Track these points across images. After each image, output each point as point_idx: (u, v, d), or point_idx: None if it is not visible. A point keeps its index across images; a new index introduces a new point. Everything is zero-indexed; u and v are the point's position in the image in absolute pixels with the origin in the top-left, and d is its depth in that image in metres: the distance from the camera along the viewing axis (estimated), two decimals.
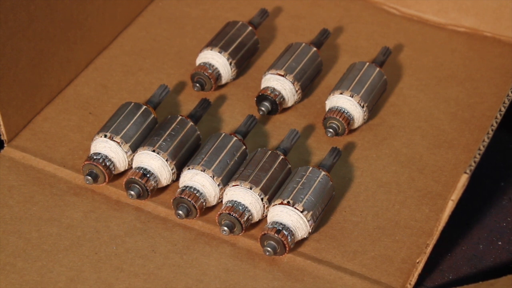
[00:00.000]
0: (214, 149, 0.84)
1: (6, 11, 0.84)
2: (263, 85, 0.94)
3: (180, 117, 0.87)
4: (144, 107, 0.88)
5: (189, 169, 0.83)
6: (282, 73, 0.92)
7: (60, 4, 0.91)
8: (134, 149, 0.86)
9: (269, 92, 0.92)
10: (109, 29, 1.00)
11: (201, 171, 0.83)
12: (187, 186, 0.83)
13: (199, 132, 0.88)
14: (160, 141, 0.84)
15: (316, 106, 0.95)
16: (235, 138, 0.86)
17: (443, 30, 1.05)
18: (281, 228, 0.80)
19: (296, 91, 0.93)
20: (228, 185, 0.83)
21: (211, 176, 0.83)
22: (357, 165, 0.90)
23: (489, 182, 0.92)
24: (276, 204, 0.81)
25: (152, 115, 0.88)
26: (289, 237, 0.80)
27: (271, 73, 0.93)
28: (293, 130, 0.88)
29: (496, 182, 0.92)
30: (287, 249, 0.80)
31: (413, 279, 0.79)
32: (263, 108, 0.92)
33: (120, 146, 0.85)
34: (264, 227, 0.81)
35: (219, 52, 0.94)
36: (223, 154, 0.84)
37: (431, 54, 1.02)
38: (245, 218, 0.81)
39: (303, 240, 0.83)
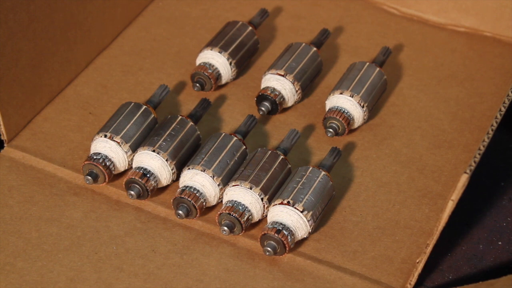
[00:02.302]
0: (214, 149, 0.84)
1: (6, 11, 0.84)
2: (263, 85, 0.94)
3: (180, 117, 0.87)
4: (144, 107, 0.88)
5: (189, 169, 0.83)
6: (282, 73, 0.92)
7: (60, 4, 0.91)
8: (134, 149, 0.86)
9: (269, 92, 0.92)
10: (109, 29, 1.00)
11: (201, 171, 0.83)
12: (187, 186, 0.83)
13: (199, 132, 0.88)
14: (160, 141, 0.84)
15: (316, 106, 0.95)
16: (235, 138, 0.86)
17: (443, 30, 1.05)
18: (281, 228, 0.80)
19: (296, 91, 0.93)
20: (228, 185, 0.83)
21: (211, 176, 0.83)
22: (357, 165, 0.90)
23: (489, 182, 0.92)
24: (276, 204, 0.81)
25: (152, 115, 0.88)
26: (289, 237, 0.80)
27: (271, 73, 0.93)
28: (293, 130, 0.88)
29: (496, 182, 0.92)
30: (287, 249, 0.80)
31: (413, 279, 0.79)
32: (263, 108, 0.92)
33: (120, 146, 0.85)
34: (264, 227, 0.81)
35: (219, 52, 0.94)
36: (223, 154, 0.84)
37: (431, 54, 1.02)
38: (245, 218, 0.81)
39: (303, 240, 0.83)
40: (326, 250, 0.82)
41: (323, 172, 0.83)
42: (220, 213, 0.82)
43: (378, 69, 0.94)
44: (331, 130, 0.91)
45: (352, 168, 0.89)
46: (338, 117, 0.90)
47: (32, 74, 0.90)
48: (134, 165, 0.85)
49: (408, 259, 0.82)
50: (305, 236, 0.82)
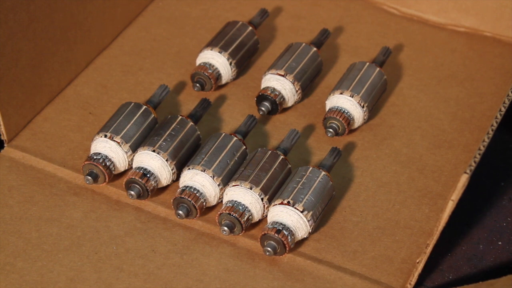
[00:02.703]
0: (214, 149, 0.84)
1: (6, 11, 0.84)
2: (263, 85, 0.94)
3: (180, 117, 0.87)
4: (144, 107, 0.88)
5: (189, 169, 0.83)
6: (282, 73, 0.92)
7: (60, 4, 0.91)
8: (134, 149, 0.86)
9: (269, 92, 0.92)
10: (109, 29, 1.00)
11: (201, 171, 0.83)
12: (187, 186, 0.83)
13: (199, 132, 0.88)
14: (160, 141, 0.84)
15: (316, 106, 0.95)
16: (235, 138, 0.86)
17: (443, 30, 1.05)
18: (281, 228, 0.80)
19: (296, 91, 0.93)
20: (228, 185, 0.83)
21: (211, 176, 0.83)
22: (357, 165, 0.90)
23: (489, 182, 0.92)
24: (276, 204, 0.81)
25: (152, 115, 0.88)
26: (289, 237, 0.80)
27: (271, 73, 0.93)
28: (293, 130, 0.88)
29: (496, 182, 0.92)
30: (287, 249, 0.80)
31: (413, 279, 0.79)
32: (263, 108, 0.92)
33: (120, 146, 0.85)
34: (264, 227, 0.81)
35: (219, 52, 0.94)
36: (223, 154, 0.84)
37: (431, 54, 1.02)
38: (245, 218, 0.81)
39: (303, 240, 0.83)
40: (326, 250, 0.82)
41: (323, 172, 0.83)
42: (220, 213, 0.82)
43: (378, 69, 0.94)
44: (331, 130, 0.91)
45: (352, 168, 0.89)
46: (338, 117, 0.90)
47: (32, 74, 0.90)
48: (134, 165, 0.85)
49: (408, 259, 0.82)
50: (305, 236, 0.82)
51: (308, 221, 0.80)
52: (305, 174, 0.83)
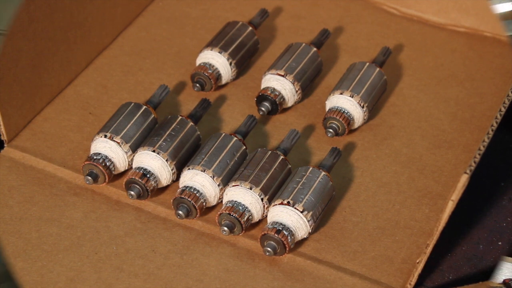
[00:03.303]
0: (214, 149, 0.84)
1: None
2: (263, 85, 0.94)
3: (180, 117, 0.87)
4: (144, 107, 0.88)
5: (189, 169, 0.83)
6: (282, 73, 0.92)
7: (60, 4, 0.91)
8: (134, 149, 0.86)
9: (269, 92, 0.92)
10: (109, 29, 1.00)
11: (201, 171, 0.83)
12: (187, 186, 0.83)
13: (199, 132, 0.88)
14: (160, 141, 0.84)
15: (316, 106, 0.95)
16: (235, 138, 0.86)
17: (443, 30, 1.05)
18: (281, 228, 0.80)
19: (296, 91, 0.93)
20: (228, 185, 0.83)
21: (211, 176, 0.83)
22: (357, 165, 0.90)
23: (489, 182, 0.92)
24: (276, 204, 0.81)
25: (152, 115, 0.88)
26: (289, 237, 0.80)
27: (271, 73, 0.93)
28: (293, 130, 0.88)
29: (496, 182, 0.92)
30: (287, 249, 0.80)
31: (413, 279, 0.79)
32: (263, 108, 0.92)
33: (120, 146, 0.85)
34: (264, 227, 0.81)
35: (219, 52, 0.94)
36: (223, 154, 0.84)
37: (431, 54, 1.02)
38: (245, 218, 0.81)
39: (303, 240, 0.83)
40: (326, 250, 0.82)
41: (323, 172, 0.83)
42: (220, 213, 0.82)
43: (378, 69, 0.94)
44: (331, 130, 0.91)
45: (352, 168, 0.89)
46: (338, 117, 0.90)
47: (32, 74, 0.90)
48: (134, 165, 0.85)
49: (408, 259, 0.82)
50: (305, 236, 0.82)
51: (308, 221, 0.80)
52: (305, 174, 0.83)
